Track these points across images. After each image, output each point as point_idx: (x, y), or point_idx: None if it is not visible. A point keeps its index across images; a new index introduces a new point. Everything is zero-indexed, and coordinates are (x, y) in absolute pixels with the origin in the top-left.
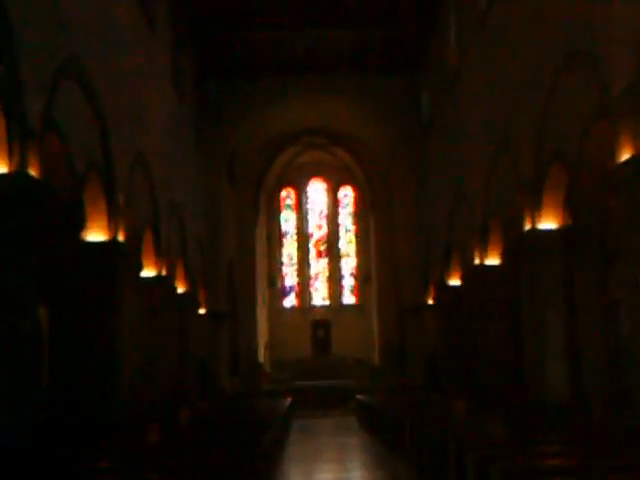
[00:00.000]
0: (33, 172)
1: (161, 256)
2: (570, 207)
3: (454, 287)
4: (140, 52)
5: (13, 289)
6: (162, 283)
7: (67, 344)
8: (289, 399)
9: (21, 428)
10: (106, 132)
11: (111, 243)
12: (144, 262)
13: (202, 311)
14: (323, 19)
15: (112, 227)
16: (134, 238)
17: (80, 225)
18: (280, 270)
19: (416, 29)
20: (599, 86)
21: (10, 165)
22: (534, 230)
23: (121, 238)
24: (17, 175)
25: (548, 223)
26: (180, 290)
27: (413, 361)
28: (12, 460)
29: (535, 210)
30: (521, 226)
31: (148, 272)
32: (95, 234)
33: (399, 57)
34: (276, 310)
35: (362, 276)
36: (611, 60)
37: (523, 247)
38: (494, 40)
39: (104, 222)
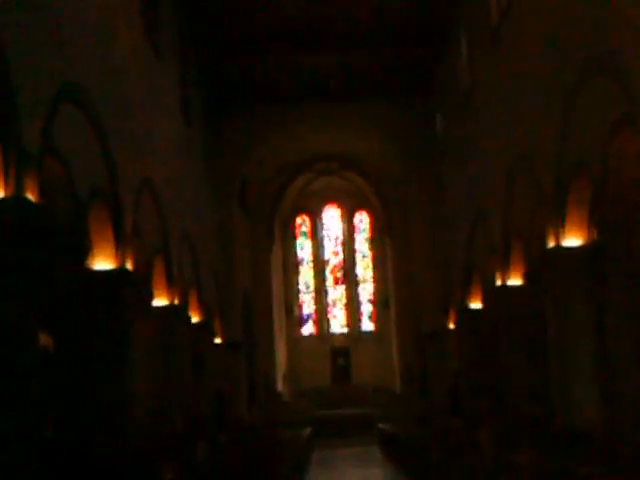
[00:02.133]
0: (31, 197)
1: (173, 285)
2: (595, 222)
3: (476, 310)
4: (145, 79)
5: (13, 322)
6: (175, 312)
7: (74, 377)
8: (309, 429)
9: (23, 466)
10: (110, 157)
11: (119, 272)
12: (156, 291)
13: (218, 341)
14: (333, 44)
15: (120, 255)
16: (144, 266)
17: (85, 253)
18: (297, 298)
19: (427, 50)
20: (623, 94)
21: (6, 190)
22: (558, 248)
23: (129, 266)
24: (14, 200)
25: (573, 239)
26: (194, 320)
27: (435, 387)
28: None
29: (558, 227)
30: (544, 244)
31: (160, 301)
32: (102, 263)
33: (411, 79)
34: (294, 339)
35: (380, 302)
36: (635, 66)
37: (547, 266)
38: (508, 55)
39: (111, 250)
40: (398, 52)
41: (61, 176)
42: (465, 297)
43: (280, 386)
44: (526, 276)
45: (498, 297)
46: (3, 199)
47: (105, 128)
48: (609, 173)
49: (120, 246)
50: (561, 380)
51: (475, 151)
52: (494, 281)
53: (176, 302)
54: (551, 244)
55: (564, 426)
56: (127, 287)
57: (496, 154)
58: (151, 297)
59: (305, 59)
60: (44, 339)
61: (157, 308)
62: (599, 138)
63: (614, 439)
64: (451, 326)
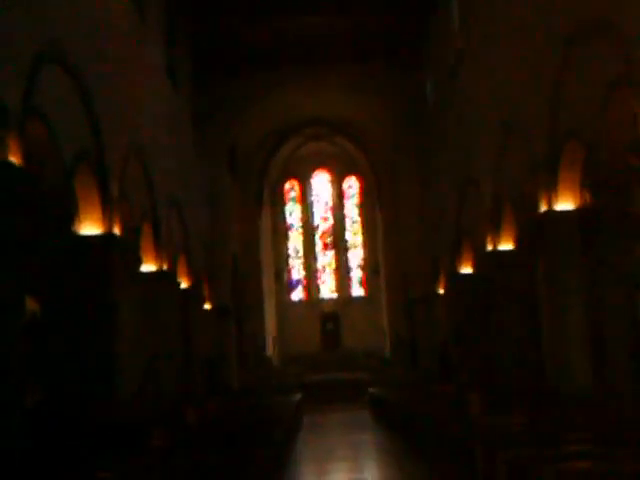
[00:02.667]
0: (15, 160)
1: (161, 250)
2: (588, 185)
3: (466, 275)
4: (130, 41)
5: None
6: (163, 278)
7: (62, 343)
8: (299, 394)
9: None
10: (96, 121)
11: (106, 237)
12: (144, 257)
13: (207, 306)
14: (322, 5)
15: (107, 220)
16: (132, 231)
17: (71, 217)
18: (286, 263)
19: (417, 11)
20: (620, 54)
21: None
22: (551, 212)
23: (117, 231)
24: None
25: (565, 204)
26: (183, 285)
27: (425, 352)
28: (10, 466)
29: (550, 190)
30: (536, 208)
31: (148, 267)
32: (89, 228)
33: (401, 41)
34: (283, 304)
35: (370, 267)
36: (632, 26)
37: (539, 230)
38: (501, 15)
39: (98, 215)
40: (390, 15)
41: (45, 140)
42: (455, 262)
43: (270, 351)
44: (517, 241)
45: (489, 262)
46: None
47: (90, 91)
48: (603, 135)
49: (107, 211)
50: (552, 345)
51: (466, 115)
52: (485, 246)
53: (165, 268)
54: (543, 208)
55: (554, 391)
56: (115, 252)
57: (486, 119)
58: (139, 263)
59: (294, 21)
60: (31, 304)
61: (145, 274)
62: (593, 100)
63: (603, 404)
64: (441, 291)
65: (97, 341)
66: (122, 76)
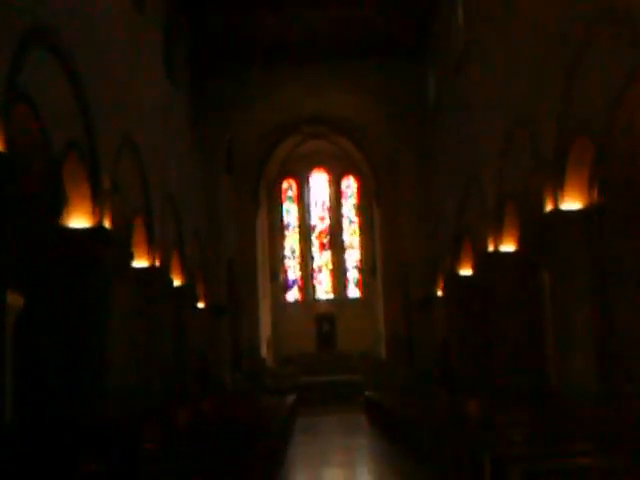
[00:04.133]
0: None
1: (154, 246)
2: (597, 183)
3: (466, 277)
4: (126, 31)
5: None
6: (156, 274)
7: (48, 338)
8: (293, 396)
9: None
10: (87, 109)
11: (96, 230)
12: (136, 252)
13: (201, 305)
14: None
15: (97, 213)
16: (123, 226)
17: (59, 208)
18: (282, 263)
19: (420, 10)
20: (634, 46)
21: None
22: (557, 211)
23: (107, 225)
24: None
25: (572, 203)
26: (176, 283)
27: (422, 355)
28: None
29: (557, 189)
30: (542, 207)
31: (140, 263)
32: (78, 220)
33: (402, 36)
34: (279, 304)
35: (367, 268)
36: None
37: (544, 230)
38: (507, 8)
39: (88, 207)
40: (392, 10)
41: (32, 127)
42: (455, 264)
43: (264, 352)
44: (520, 241)
45: (490, 263)
46: None
47: (82, 78)
48: (615, 131)
49: (97, 203)
50: (558, 350)
51: (469, 114)
52: (486, 247)
53: (157, 264)
54: (549, 207)
55: (559, 398)
56: (105, 246)
57: (492, 116)
58: (131, 258)
59: (293, 16)
60: (14, 299)
61: (137, 270)
62: (605, 95)
63: (611, 414)
64: (439, 293)
65: (86, 338)
66: (117, 67)
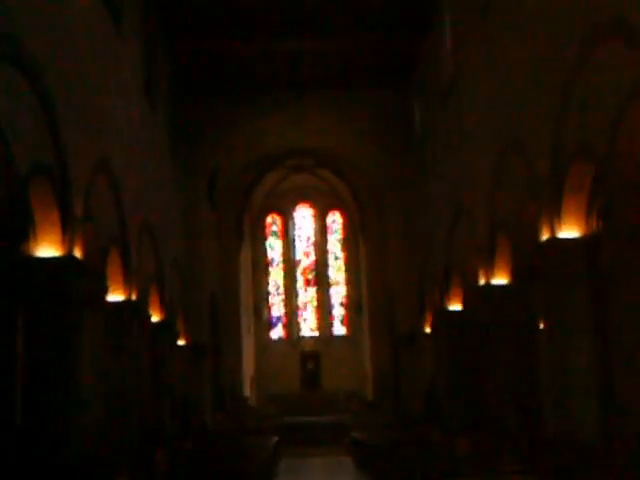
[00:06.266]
0: None
1: (131, 279)
2: (596, 210)
3: (455, 312)
4: (103, 50)
5: None
6: (132, 309)
7: (10, 378)
8: (275, 437)
9: None
10: (57, 129)
11: (65, 259)
12: (111, 285)
13: (182, 342)
14: (308, 30)
15: (67, 241)
16: (97, 256)
17: (23, 234)
18: (266, 300)
19: (407, 35)
20: (637, 59)
21: None
22: (553, 239)
23: (78, 254)
24: None
25: (569, 231)
26: (155, 319)
27: (409, 393)
28: None
29: (553, 216)
30: (537, 236)
31: (115, 297)
32: (46, 249)
33: (389, 68)
34: (262, 342)
35: (353, 305)
36: None
37: (540, 260)
38: (499, 31)
39: (57, 235)
40: (376, 40)
41: None
42: (443, 298)
43: (247, 391)
44: (513, 274)
45: (481, 297)
46: None
47: (51, 96)
48: (616, 154)
49: (67, 231)
50: (554, 387)
51: (458, 143)
52: (477, 280)
53: (134, 297)
54: (545, 236)
55: (557, 438)
56: (75, 277)
57: (482, 143)
58: (105, 291)
59: (278, 45)
60: None
61: (111, 303)
62: (604, 113)
63: (614, 455)
64: (427, 330)
65: (54, 375)
66: (92, 87)
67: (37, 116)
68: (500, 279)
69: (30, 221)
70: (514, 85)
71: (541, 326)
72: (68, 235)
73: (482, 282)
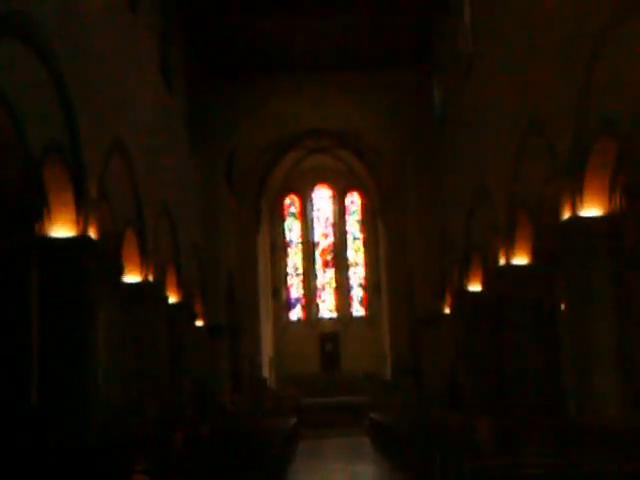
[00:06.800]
0: None
1: (147, 260)
2: (620, 188)
3: (475, 293)
4: (118, 31)
5: None
6: (149, 290)
7: (27, 359)
8: (294, 419)
9: None
10: (71, 108)
11: (80, 239)
12: (127, 266)
13: (199, 323)
14: (327, 7)
15: (81, 221)
16: (113, 237)
17: (38, 214)
18: (285, 281)
19: (426, 15)
20: None
21: None
22: (576, 218)
23: (93, 235)
24: None
25: (592, 209)
26: (172, 300)
27: (429, 375)
28: None
29: (576, 195)
30: (558, 215)
31: (132, 278)
32: (61, 229)
33: (408, 47)
34: (281, 323)
35: (371, 286)
36: None
37: (562, 239)
38: (519, 6)
39: (72, 215)
40: (395, 19)
41: (8, 126)
42: (463, 279)
43: (266, 373)
44: (534, 254)
45: (501, 277)
46: None
47: (64, 75)
48: None
49: (82, 211)
50: (577, 368)
51: (478, 122)
52: (497, 260)
53: (150, 279)
54: (566, 214)
55: (580, 420)
56: (90, 258)
57: (502, 122)
58: (121, 272)
59: (297, 23)
60: None
61: (128, 284)
62: (630, 90)
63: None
64: (447, 311)
65: (70, 358)
66: (106, 67)
67: (50, 96)
68: (520, 259)
69: (44, 201)
70: (535, 62)
71: (562, 307)
72: (82, 216)
73: (502, 262)
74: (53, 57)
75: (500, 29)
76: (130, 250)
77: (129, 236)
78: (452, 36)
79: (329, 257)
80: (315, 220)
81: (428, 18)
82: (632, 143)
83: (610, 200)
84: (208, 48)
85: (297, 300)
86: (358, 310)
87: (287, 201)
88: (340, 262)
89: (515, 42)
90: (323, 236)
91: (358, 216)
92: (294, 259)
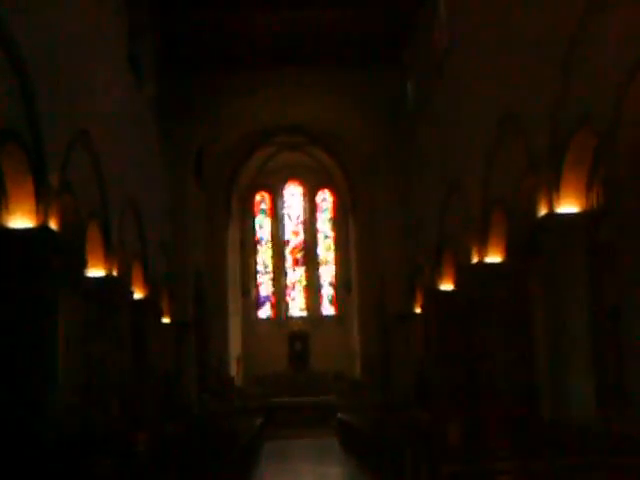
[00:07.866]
0: None
1: (112, 254)
2: (598, 184)
3: (446, 292)
4: (84, 20)
5: None
6: (113, 285)
7: None
8: (260, 419)
9: None
10: (31, 97)
11: (40, 230)
12: (90, 260)
13: (166, 320)
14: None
15: (41, 212)
16: (74, 228)
17: None
18: (254, 279)
19: (400, 7)
20: None
21: None
22: (552, 214)
23: (54, 226)
24: None
25: (569, 206)
26: (137, 296)
27: (398, 375)
28: None
29: (552, 191)
30: (534, 212)
31: (95, 272)
32: (19, 220)
33: (381, 42)
34: (250, 321)
35: (342, 285)
36: None
37: (537, 236)
38: (497, 1)
39: (31, 205)
40: (367, 12)
41: None
42: (434, 278)
43: (233, 371)
44: (508, 251)
45: (474, 276)
46: None
47: (27, 63)
48: (620, 124)
49: (42, 202)
50: (551, 369)
51: (452, 118)
52: (470, 258)
53: (115, 273)
54: (542, 211)
55: (553, 422)
56: (50, 249)
57: (478, 117)
58: (83, 265)
59: (269, 17)
60: None
61: (91, 279)
62: (608, 84)
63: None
64: (417, 310)
65: (29, 354)
66: (70, 57)
67: (9, 83)
68: (494, 257)
69: (2, 191)
70: (511, 55)
71: (535, 304)
72: (43, 206)
73: (475, 260)
74: (14, 44)
75: (476, 22)
76: (94, 244)
77: (93, 229)
78: (427, 31)
79: (299, 255)
80: (286, 217)
81: (402, 13)
82: (610, 137)
83: (587, 196)
84: (179, 41)
85: (266, 298)
86: (328, 309)
87: (258, 198)
88: (310, 260)
89: (491, 37)
90: (294, 234)
91: (329, 214)
92: (264, 256)
